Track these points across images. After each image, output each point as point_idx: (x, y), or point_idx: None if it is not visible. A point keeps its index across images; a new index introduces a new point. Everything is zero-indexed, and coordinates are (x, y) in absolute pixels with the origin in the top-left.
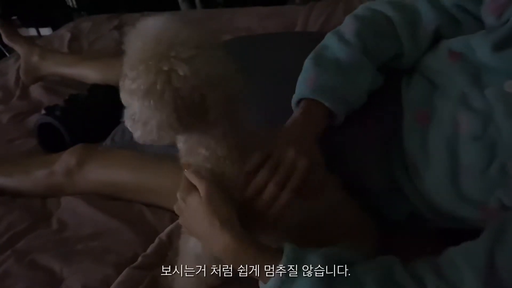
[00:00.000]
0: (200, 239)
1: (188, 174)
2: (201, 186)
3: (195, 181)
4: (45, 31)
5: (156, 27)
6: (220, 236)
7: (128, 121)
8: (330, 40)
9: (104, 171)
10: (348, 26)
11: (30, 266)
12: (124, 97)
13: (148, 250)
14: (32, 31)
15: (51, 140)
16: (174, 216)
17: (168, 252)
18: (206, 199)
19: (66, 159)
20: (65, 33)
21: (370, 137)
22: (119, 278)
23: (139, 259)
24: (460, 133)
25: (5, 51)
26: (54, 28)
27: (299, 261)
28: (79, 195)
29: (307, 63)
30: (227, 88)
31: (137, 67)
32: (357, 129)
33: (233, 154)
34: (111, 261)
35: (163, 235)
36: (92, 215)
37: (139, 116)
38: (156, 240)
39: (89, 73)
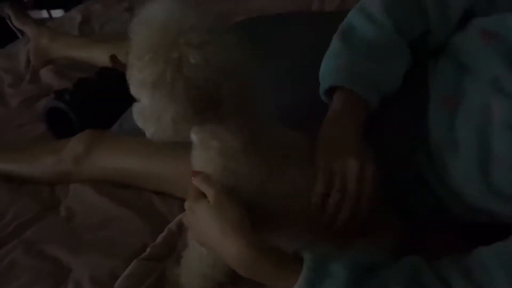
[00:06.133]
0: (213, 249)
1: (196, 181)
2: (210, 192)
3: (204, 187)
4: (57, 13)
5: (163, 12)
6: (232, 243)
7: (138, 118)
8: (356, 20)
9: (113, 158)
10: (374, 2)
11: (37, 256)
12: (133, 90)
13: (157, 241)
14: (44, 13)
15: (60, 124)
16: (183, 205)
17: (177, 242)
18: (215, 204)
19: (74, 146)
20: (76, 15)
21: (393, 122)
22: (127, 271)
23: (148, 250)
24: (493, 120)
25: (18, 33)
26: (66, 10)
27: (321, 271)
28: (87, 183)
29: (337, 46)
30: (241, 76)
31: (144, 56)
32: (380, 114)
33: (248, 147)
34: (119, 252)
35: (172, 225)
36: (101, 203)
37: (151, 111)
38: (165, 230)
39: (99, 55)
